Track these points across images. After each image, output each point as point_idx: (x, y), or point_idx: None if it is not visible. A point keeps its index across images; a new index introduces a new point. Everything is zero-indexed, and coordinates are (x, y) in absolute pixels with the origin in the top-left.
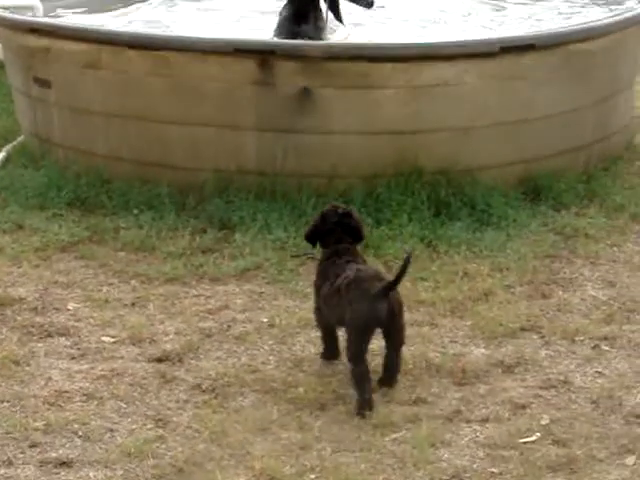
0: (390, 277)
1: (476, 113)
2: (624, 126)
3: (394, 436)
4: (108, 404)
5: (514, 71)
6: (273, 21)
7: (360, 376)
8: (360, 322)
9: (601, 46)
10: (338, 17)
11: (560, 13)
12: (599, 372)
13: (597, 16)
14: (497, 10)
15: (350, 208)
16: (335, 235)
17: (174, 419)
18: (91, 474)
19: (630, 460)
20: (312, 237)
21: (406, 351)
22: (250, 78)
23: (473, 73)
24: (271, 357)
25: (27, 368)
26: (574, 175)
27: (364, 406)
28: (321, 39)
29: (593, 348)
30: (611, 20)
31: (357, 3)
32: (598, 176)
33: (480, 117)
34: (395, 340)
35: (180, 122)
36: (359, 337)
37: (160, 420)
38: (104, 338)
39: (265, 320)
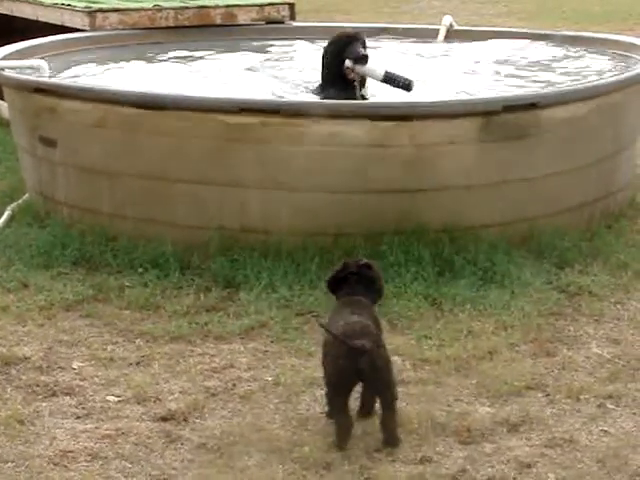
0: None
1: (479, 171)
2: (627, 184)
3: None
4: (113, 464)
5: (517, 130)
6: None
7: (339, 428)
8: (335, 375)
9: (603, 105)
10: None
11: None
12: (605, 431)
13: (598, 75)
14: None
15: (371, 262)
16: (349, 285)
17: (179, 479)
18: None
19: None
20: (331, 284)
21: (411, 410)
22: (255, 137)
23: (476, 131)
24: (276, 416)
25: (32, 428)
26: (577, 233)
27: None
28: None
29: (598, 406)
30: (613, 79)
31: (395, 85)
32: (601, 234)
33: (483, 175)
34: (383, 396)
35: (184, 180)
36: (334, 390)
37: None
38: (109, 397)
39: (270, 379)
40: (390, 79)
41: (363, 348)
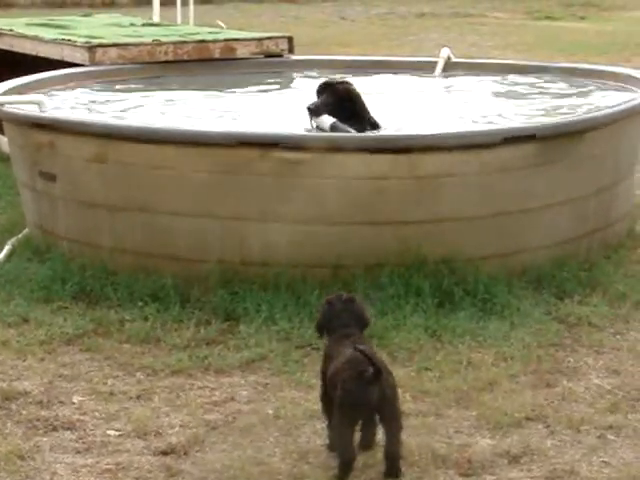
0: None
1: (478, 203)
2: (625, 214)
3: None
4: None
5: (516, 161)
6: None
7: (342, 460)
8: (348, 404)
9: (601, 136)
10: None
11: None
12: (605, 462)
13: (597, 106)
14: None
15: (353, 295)
16: (340, 321)
17: None
18: None
19: None
20: (323, 326)
21: (411, 442)
22: (253, 170)
23: (475, 163)
24: (277, 449)
25: (32, 463)
26: (576, 263)
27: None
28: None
29: (599, 437)
30: (611, 110)
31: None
32: (600, 264)
33: (482, 207)
34: (391, 425)
35: (184, 214)
36: (345, 419)
37: None
38: (109, 431)
39: (270, 412)
40: (335, 129)
41: (379, 373)
